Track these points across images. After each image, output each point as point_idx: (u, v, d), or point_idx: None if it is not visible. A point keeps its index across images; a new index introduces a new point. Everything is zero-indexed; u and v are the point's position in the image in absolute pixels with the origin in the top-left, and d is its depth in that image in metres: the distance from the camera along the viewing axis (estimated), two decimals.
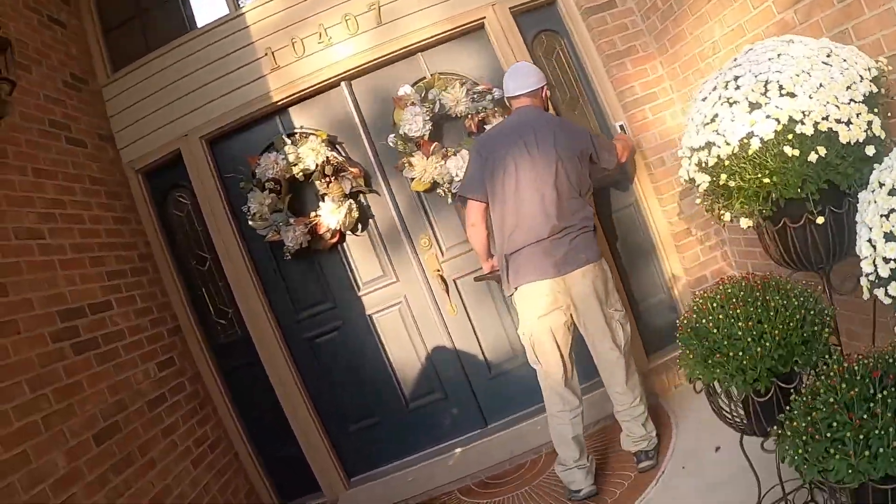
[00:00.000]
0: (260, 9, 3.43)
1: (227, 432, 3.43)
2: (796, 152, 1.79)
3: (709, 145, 1.98)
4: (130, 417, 2.75)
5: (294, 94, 3.44)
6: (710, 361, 1.82)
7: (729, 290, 1.97)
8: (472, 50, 3.52)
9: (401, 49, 3.42)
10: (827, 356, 1.75)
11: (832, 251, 1.98)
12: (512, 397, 3.47)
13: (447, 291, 3.47)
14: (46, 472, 2.24)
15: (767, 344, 1.74)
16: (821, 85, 1.81)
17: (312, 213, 3.40)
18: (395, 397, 3.56)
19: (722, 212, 2.12)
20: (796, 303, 1.86)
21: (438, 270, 3.47)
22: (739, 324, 1.80)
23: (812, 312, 1.84)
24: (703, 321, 1.91)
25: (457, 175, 3.30)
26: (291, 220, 3.37)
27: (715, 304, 1.94)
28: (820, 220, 1.90)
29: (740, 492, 2.32)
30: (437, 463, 3.43)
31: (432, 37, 3.42)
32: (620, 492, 2.81)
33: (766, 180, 1.87)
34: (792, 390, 1.74)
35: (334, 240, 3.44)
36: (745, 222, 2.04)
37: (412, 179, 3.42)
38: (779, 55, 1.93)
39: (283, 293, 3.55)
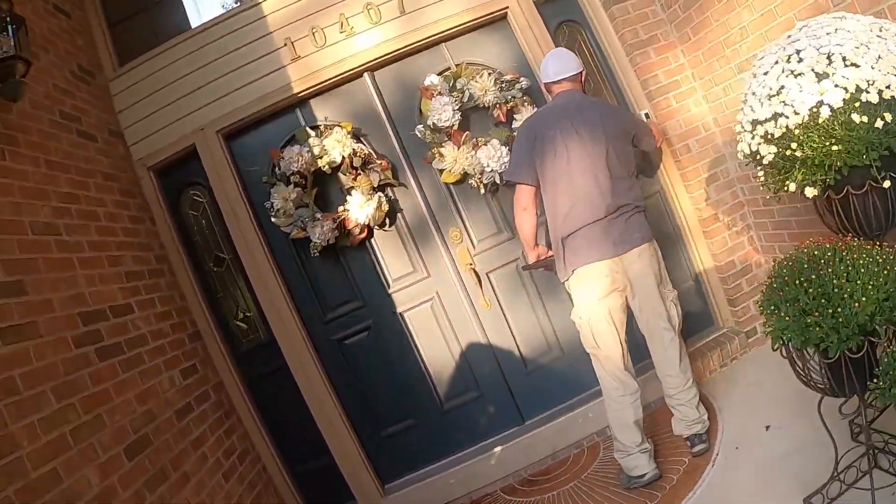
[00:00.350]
0: None
1: (253, 443, 3.22)
2: (864, 119, 1.85)
3: (776, 116, 2.03)
4: (160, 428, 2.53)
5: (315, 86, 3.32)
6: (808, 321, 1.79)
7: (816, 252, 1.98)
8: (495, 40, 3.49)
9: (424, 39, 3.35)
10: None
11: (891, 217, 2.05)
12: (549, 392, 3.39)
13: (480, 285, 3.38)
14: (79, 491, 2.01)
15: (859, 301, 1.73)
16: (879, 56, 1.89)
17: (340, 208, 3.25)
18: (430, 398, 3.42)
19: (787, 183, 2.14)
20: (880, 260, 1.88)
21: (471, 264, 3.38)
22: (834, 281, 1.79)
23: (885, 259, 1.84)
24: (794, 283, 1.92)
25: (488, 165, 3.24)
26: (318, 216, 3.21)
27: (805, 266, 1.95)
28: (886, 184, 1.95)
29: (805, 464, 2.34)
30: (477, 463, 3.29)
31: (456, 27, 3.37)
32: (678, 477, 2.75)
33: (835, 148, 1.92)
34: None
35: (362, 235, 3.30)
36: (809, 191, 2.07)
37: (442, 171, 3.33)
38: (836, 30, 1.99)
39: (308, 293, 3.38)
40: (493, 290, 3.43)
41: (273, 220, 3.24)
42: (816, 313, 1.78)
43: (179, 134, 3.26)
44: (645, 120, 3.45)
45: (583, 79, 2.87)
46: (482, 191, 3.34)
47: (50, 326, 2.21)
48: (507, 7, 3.39)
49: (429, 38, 3.36)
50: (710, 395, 3.20)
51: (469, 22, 3.39)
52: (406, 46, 3.34)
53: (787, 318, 1.87)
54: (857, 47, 1.90)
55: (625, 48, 3.44)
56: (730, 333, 3.49)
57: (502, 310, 3.43)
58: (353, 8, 3.31)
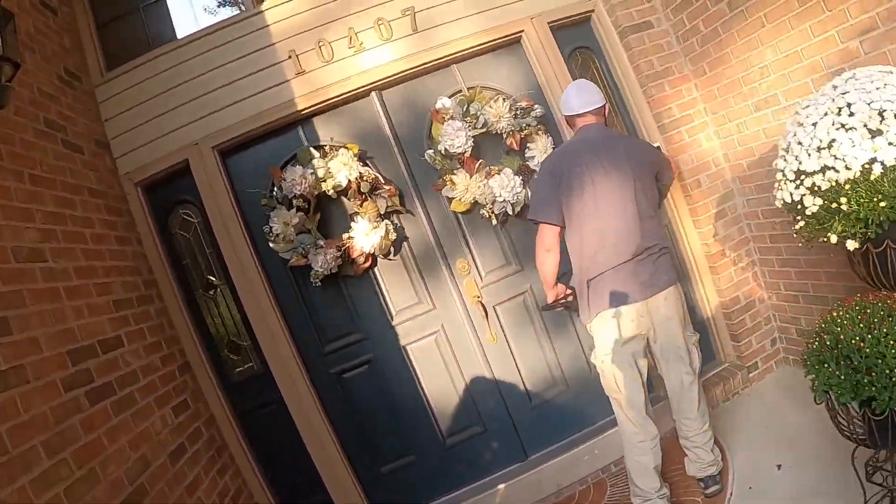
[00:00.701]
0: (283, 7, 3.10)
1: (245, 481, 3.00)
2: None
3: (825, 169, 2.00)
4: (156, 476, 2.30)
5: (320, 103, 3.13)
6: (865, 380, 1.82)
7: (869, 310, 1.99)
8: (507, 63, 3.38)
9: (437, 59, 3.21)
10: None
11: None
12: (554, 427, 3.31)
13: (487, 318, 3.25)
14: None
15: None
16: None
17: (345, 235, 3.07)
18: (431, 433, 3.27)
19: (829, 234, 2.13)
20: None
21: (478, 296, 3.25)
22: (892, 342, 1.82)
23: None
24: (850, 341, 1.90)
25: (500, 195, 3.13)
26: (321, 243, 3.03)
27: (861, 325, 1.94)
28: None
29: None
30: (479, 501, 3.16)
31: (469, 48, 3.24)
32: None
33: (882, 204, 1.91)
34: None
35: (367, 264, 3.13)
36: (851, 244, 2.05)
37: (451, 199, 3.21)
38: (885, 85, 1.97)
39: (306, 323, 3.18)
40: (500, 324, 3.31)
41: (271, 245, 3.03)
42: (873, 373, 1.81)
43: (171, 148, 3.01)
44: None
45: (606, 112, 2.78)
46: (494, 221, 3.22)
47: (37, 369, 1.98)
48: (523, 31, 3.29)
49: (441, 58, 3.22)
50: (717, 432, 3.17)
51: (483, 44, 3.27)
52: (417, 66, 3.19)
53: (840, 375, 1.88)
54: None
55: (639, 79, 3.38)
56: (732, 368, 3.49)
57: (508, 343, 3.32)
58: (363, 22, 3.14)
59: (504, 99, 3.20)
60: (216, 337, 3.15)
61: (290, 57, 3.08)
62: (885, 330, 1.86)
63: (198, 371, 2.97)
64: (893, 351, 1.80)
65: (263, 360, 3.08)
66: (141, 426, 2.32)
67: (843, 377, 1.87)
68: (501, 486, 3.19)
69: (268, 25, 3.10)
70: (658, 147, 3.39)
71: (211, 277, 3.14)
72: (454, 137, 3.10)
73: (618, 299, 2.51)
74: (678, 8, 3.23)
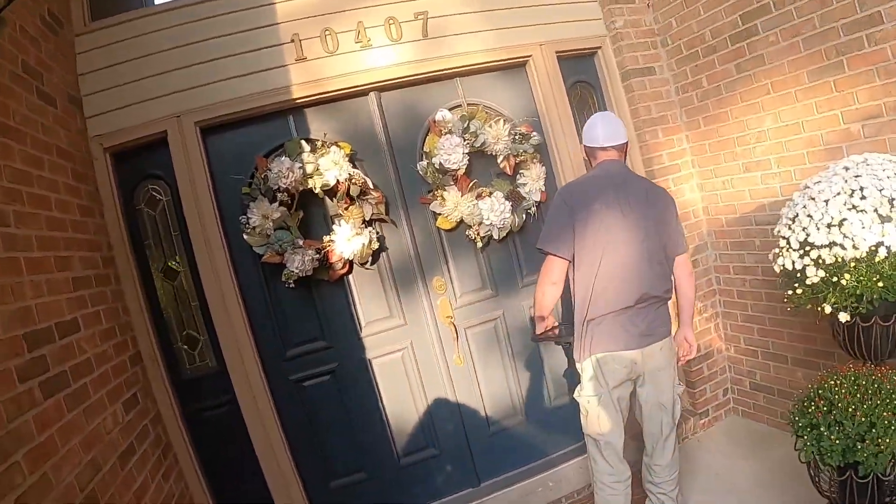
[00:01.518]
0: None
1: (188, 485, 2.75)
2: None
3: (832, 245, 2.10)
4: (106, 481, 2.05)
5: (316, 95, 2.96)
6: (860, 446, 1.95)
7: (863, 381, 2.12)
8: (510, 86, 3.33)
9: (442, 70, 3.12)
10: None
11: None
12: (508, 457, 3.28)
13: (456, 340, 3.18)
14: None
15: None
16: None
17: (326, 238, 2.91)
18: (387, 452, 3.15)
19: (823, 305, 2.22)
20: None
21: (451, 317, 3.17)
22: (885, 413, 1.96)
23: None
24: (846, 408, 2.03)
25: (488, 218, 3.08)
26: (301, 243, 2.86)
27: (857, 396, 2.06)
28: None
29: None
30: None
31: (475, 64, 3.18)
32: None
33: (880, 284, 2.04)
34: None
35: (343, 271, 2.99)
36: (843, 317, 2.16)
37: (438, 215, 3.12)
38: (895, 174, 2.09)
39: (270, 325, 2.98)
40: (469, 347, 3.25)
41: (245, 236, 2.82)
42: (866, 440, 1.95)
43: (149, 116, 2.75)
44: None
45: (627, 149, 2.71)
46: (480, 244, 3.16)
47: None
48: (531, 56, 3.26)
49: (447, 69, 3.14)
50: None
51: (490, 62, 3.21)
52: (422, 74, 3.09)
53: (834, 439, 2.00)
54: None
55: (635, 122, 3.42)
56: (685, 413, 3.56)
57: (474, 367, 3.26)
58: (373, 19, 3.00)
59: (505, 121, 3.15)
60: (172, 327, 2.89)
61: (292, 41, 2.89)
62: (877, 401, 1.99)
63: (149, 363, 2.71)
64: (885, 422, 1.93)
65: (220, 358, 2.86)
66: (93, 424, 2.07)
67: (837, 441, 1.97)
68: None
69: (274, 3, 2.90)
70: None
71: (173, 263, 2.89)
72: (451, 153, 3.02)
73: (615, 344, 2.43)
74: (683, 60, 3.29)
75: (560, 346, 3.17)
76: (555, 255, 2.44)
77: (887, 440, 1.88)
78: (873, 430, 1.92)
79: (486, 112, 3.21)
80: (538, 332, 2.69)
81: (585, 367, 2.52)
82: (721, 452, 3.27)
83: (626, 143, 2.62)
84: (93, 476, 1.98)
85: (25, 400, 1.76)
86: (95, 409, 2.14)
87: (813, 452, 2.04)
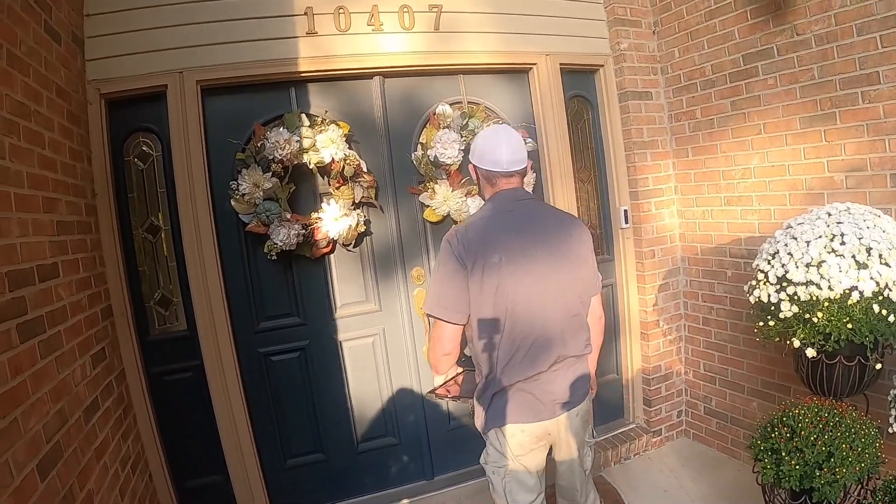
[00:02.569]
0: None
1: (144, 448, 2.69)
2: (884, 311, 2.12)
3: (809, 283, 2.21)
4: (71, 434, 1.98)
5: (323, 71, 2.94)
6: (818, 474, 2.05)
7: (826, 413, 2.22)
8: (509, 89, 3.39)
9: (449, 65, 3.15)
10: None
11: (858, 386, 2.34)
12: (464, 453, 3.28)
13: (427, 332, 3.20)
14: None
15: (858, 466, 2.04)
16: None
17: (314, 215, 2.90)
18: (347, 436, 3.15)
19: (792, 339, 2.33)
20: (872, 432, 2.16)
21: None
22: (843, 446, 2.07)
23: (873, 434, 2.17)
24: (808, 437, 2.13)
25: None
26: (288, 216, 2.84)
27: (819, 426, 2.16)
28: (878, 366, 2.28)
29: None
30: None
31: (481, 64, 3.21)
32: None
33: (849, 325, 2.15)
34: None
35: (326, 249, 2.98)
36: (810, 352, 2.27)
37: (426, 207, 3.14)
38: (875, 226, 2.23)
39: (246, 295, 2.95)
40: None
41: (232, 203, 2.80)
42: (824, 468, 2.05)
43: (151, 68, 2.68)
44: (620, 217, 3.57)
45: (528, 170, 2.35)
46: None
47: None
48: (535, 64, 3.31)
49: (453, 65, 3.16)
50: (616, 484, 3.31)
51: (495, 64, 3.25)
52: (429, 66, 3.11)
53: (793, 464, 2.10)
54: (890, 249, 2.15)
55: (626, 143, 3.52)
56: (638, 430, 3.67)
57: None
58: (389, 4, 3.01)
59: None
60: (145, 285, 2.82)
61: (305, 13, 2.87)
62: (837, 434, 2.10)
63: (119, 319, 2.64)
64: (842, 453, 2.04)
65: (191, 323, 2.81)
66: (63, 374, 2.00)
67: (796, 466, 2.07)
68: (405, 500, 3.14)
69: None
70: (625, 211, 3.56)
71: (155, 219, 2.83)
72: (447, 147, 3.05)
73: (524, 416, 1.99)
74: (680, 90, 3.40)
75: None
76: (447, 322, 1.97)
77: (843, 470, 1.99)
78: (831, 460, 2.03)
79: (486, 112, 3.25)
80: (436, 390, 2.26)
81: (490, 437, 2.09)
82: (670, 471, 3.37)
83: (529, 164, 2.25)
84: (59, 427, 1.91)
85: (3, 341, 1.68)
86: (66, 359, 2.07)
87: (771, 475, 2.14)
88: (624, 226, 3.59)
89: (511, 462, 2.04)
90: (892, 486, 2.10)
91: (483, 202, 2.18)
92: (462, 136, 3.10)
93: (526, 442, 2.02)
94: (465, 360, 2.24)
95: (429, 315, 2.02)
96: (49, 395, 1.89)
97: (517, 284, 1.91)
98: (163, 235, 2.85)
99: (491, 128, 2.15)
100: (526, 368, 1.96)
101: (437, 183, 3.11)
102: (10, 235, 1.83)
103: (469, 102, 3.27)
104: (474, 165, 2.11)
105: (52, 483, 1.79)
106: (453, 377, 2.26)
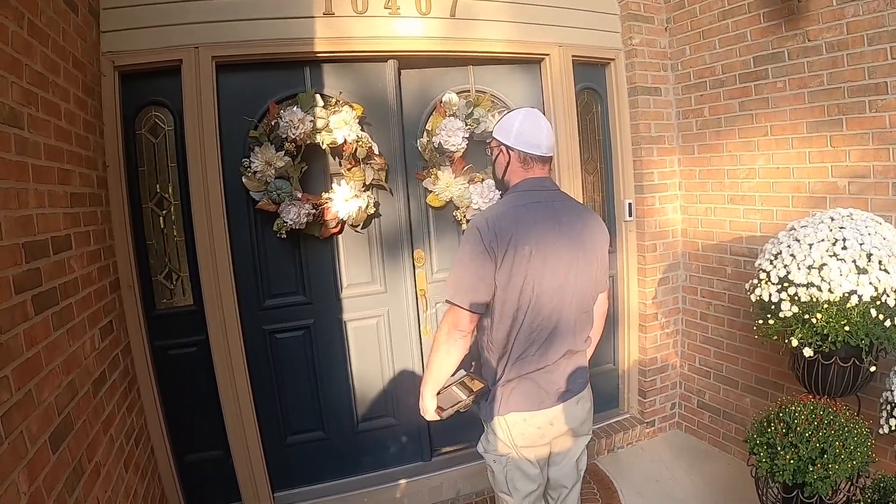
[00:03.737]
0: None
1: (147, 422, 2.72)
2: (881, 316, 2.19)
3: (810, 285, 2.27)
4: (80, 406, 2.00)
5: (338, 52, 2.95)
6: (811, 469, 2.11)
7: (821, 411, 2.27)
8: (520, 78, 3.41)
9: (464, 52, 3.16)
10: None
11: (853, 387, 2.41)
12: (463, 436, 3.34)
13: (426, 312, 3.26)
14: None
15: (850, 463, 2.11)
16: None
17: (324, 195, 2.92)
18: (347, 415, 3.19)
19: (790, 338, 2.38)
20: (865, 432, 2.23)
21: (424, 290, 3.24)
22: (836, 443, 2.13)
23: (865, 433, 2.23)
24: (804, 433, 2.19)
25: (475, 203, 3.17)
26: (299, 195, 2.86)
27: (814, 423, 2.22)
28: (873, 368, 2.33)
29: None
30: (379, 491, 3.13)
31: (496, 52, 3.22)
32: None
33: (846, 328, 2.21)
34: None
35: (335, 230, 3.01)
36: (807, 352, 2.33)
37: (430, 192, 3.19)
38: (875, 232, 2.28)
39: (253, 272, 2.97)
40: (437, 322, 3.27)
41: (244, 180, 2.82)
42: (818, 464, 2.11)
43: (167, 42, 2.67)
44: (625, 210, 3.61)
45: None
46: (464, 225, 3.22)
47: None
48: (548, 55, 3.33)
49: (467, 52, 3.16)
50: (609, 472, 3.40)
51: (509, 53, 3.27)
52: (444, 52, 3.11)
53: (787, 459, 2.16)
54: (889, 256, 2.21)
55: (634, 137, 3.56)
56: (632, 420, 3.75)
57: None
58: None
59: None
60: (153, 259, 2.83)
61: None
62: (831, 431, 2.16)
63: (126, 292, 2.65)
64: (835, 451, 2.10)
65: (198, 297, 2.84)
66: (74, 346, 2.01)
67: (790, 461, 2.13)
68: (403, 481, 3.19)
69: None
70: (630, 204, 3.61)
71: (165, 194, 2.84)
72: (451, 135, 3.10)
73: (532, 403, 2.00)
74: (689, 87, 3.44)
75: None
76: (467, 311, 1.89)
77: (836, 467, 2.07)
78: (824, 456, 2.10)
79: (493, 101, 3.26)
80: (448, 401, 2.02)
81: (496, 425, 2.07)
82: (662, 462, 3.45)
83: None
84: (70, 399, 1.93)
85: (19, 312, 1.69)
86: (77, 331, 2.08)
87: (766, 469, 2.21)
88: (627, 219, 3.64)
89: (513, 451, 2.05)
90: (881, 485, 2.19)
91: (496, 185, 2.13)
92: (467, 125, 3.13)
93: (529, 431, 2.03)
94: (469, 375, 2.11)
95: (448, 301, 1.92)
96: (61, 367, 1.91)
97: (542, 278, 1.88)
98: (172, 210, 2.86)
99: (526, 110, 2.04)
100: (537, 361, 1.96)
101: (440, 169, 3.14)
102: (27, 207, 1.83)
103: (477, 91, 3.28)
104: (507, 146, 1.99)
105: (63, 455, 1.81)
106: (456, 384, 2.07)
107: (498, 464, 2.09)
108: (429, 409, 2.06)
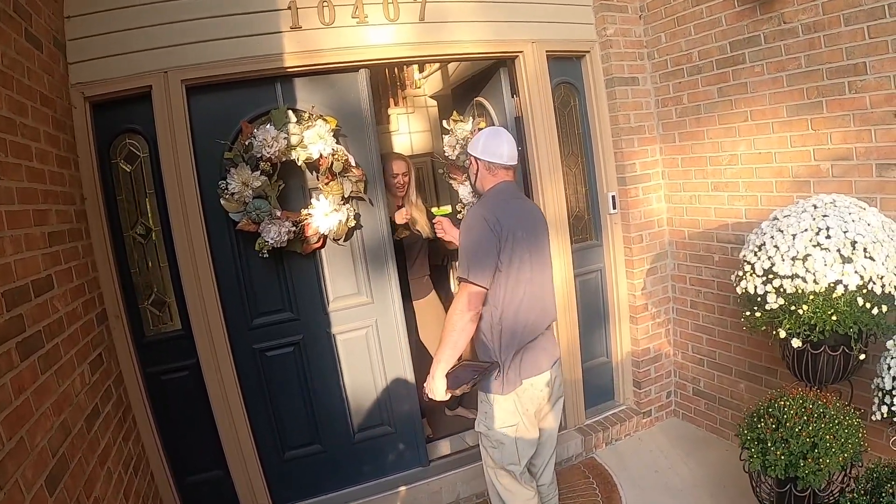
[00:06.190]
0: None
1: (144, 448, 2.73)
2: (867, 304, 2.18)
3: (794, 277, 2.26)
4: (74, 445, 2.00)
5: (308, 66, 2.92)
6: (802, 463, 2.12)
7: (810, 404, 2.28)
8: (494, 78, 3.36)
9: (436, 55, 3.14)
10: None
11: (842, 375, 2.41)
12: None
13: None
14: None
15: (841, 456, 2.11)
16: (888, 255, 2.21)
17: (304, 211, 2.91)
18: (343, 426, 3.20)
19: (778, 329, 2.38)
20: (855, 423, 2.23)
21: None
22: (827, 436, 2.14)
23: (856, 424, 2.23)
24: (794, 428, 2.19)
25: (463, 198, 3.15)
26: (278, 214, 2.84)
27: (804, 417, 2.22)
28: (862, 356, 2.32)
29: None
30: (380, 499, 3.14)
31: (468, 53, 3.20)
32: None
33: (833, 318, 2.21)
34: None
35: (318, 245, 2.99)
36: (796, 342, 2.33)
37: None
38: (860, 219, 2.26)
39: (239, 292, 2.96)
40: None
41: (222, 202, 2.79)
42: (809, 458, 2.12)
43: (135, 69, 2.64)
44: (609, 202, 3.60)
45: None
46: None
47: None
48: (522, 52, 3.30)
49: (439, 55, 3.15)
50: (608, 465, 3.42)
51: (481, 53, 3.24)
52: (415, 57, 3.08)
53: (778, 454, 2.17)
54: (874, 243, 2.19)
55: (614, 129, 3.53)
56: (628, 411, 3.77)
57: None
58: None
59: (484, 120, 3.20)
60: (138, 287, 2.84)
61: (289, 7, 2.83)
62: (821, 425, 2.16)
63: (114, 323, 2.66)
64: (826, 444, 2.11)
65: (186, 322, 2.84)
66: (63, 385, 2.01)
67: (781, 456, 2.14)
68: (403, 487, 3.21)
69: None
70: (613, 196, 3.59)
71: (145, 221, 2.83)
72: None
73: (536, 367, 2.33)
74: (667, 75, 3.41)
75: None
76: (481, 287, 2.20)
77: (827, 460, 2.07)
78: (815, 450, 2.10)
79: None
80: (457, 383, 2.23)
81: (502, 400, 2.30)
82: (660, 451, 3.47)
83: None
84: (63, 440, 1.93)
85: (4, 362, 1.67)
86: (66, 370, 2.08)
87: (758, 464, 2.21)
88: (612, 211, 3.62)
89: (522, 418, 2.32)
90: (875, 473, 2.18)
91: (473, 189, 2.64)
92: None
93: (536, 395, 2.35)
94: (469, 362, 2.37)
95: (463, 279, 2.21)
96: (52, 409, 1.90)
97: (532, 258, 2.28)
98: (153, 236, 2.85)
99: (491, 128, 2.51)
100: (538, 326, 2.34)
101: None
102: (4, 255, 1.81)
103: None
104: (475, 157, 2.43)
105: (61, 496, 1.81)
106: (461, 367, 2.32)
107: (507, 434, 2.32)
108: (439, 388, 2.26)
